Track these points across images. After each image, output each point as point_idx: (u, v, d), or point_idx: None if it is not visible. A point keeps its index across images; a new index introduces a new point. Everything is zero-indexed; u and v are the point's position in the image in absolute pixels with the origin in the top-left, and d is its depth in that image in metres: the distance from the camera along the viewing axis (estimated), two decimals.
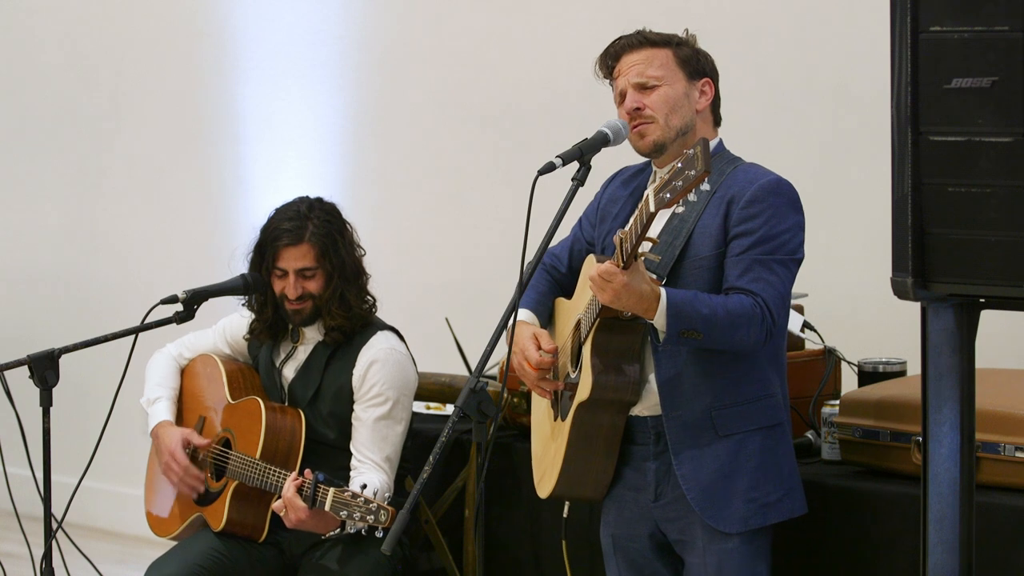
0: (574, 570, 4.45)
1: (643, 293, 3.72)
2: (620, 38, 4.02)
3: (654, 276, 3.83)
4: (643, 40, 3.99)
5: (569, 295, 4.17)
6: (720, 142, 4.02)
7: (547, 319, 4.19)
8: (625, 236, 3.67)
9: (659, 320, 3.75)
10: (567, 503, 4.43)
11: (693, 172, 3.53)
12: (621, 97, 4.00)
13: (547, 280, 4.21)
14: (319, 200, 4.73)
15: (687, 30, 4.02)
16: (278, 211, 4.71)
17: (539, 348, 3.99)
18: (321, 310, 4.66)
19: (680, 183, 3.55)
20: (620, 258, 3.70)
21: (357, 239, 4.77)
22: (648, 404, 3.94)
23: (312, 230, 4.64)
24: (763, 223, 3.84)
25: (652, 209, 3.58)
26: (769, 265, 3.83)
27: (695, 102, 3.96)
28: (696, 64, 3.97)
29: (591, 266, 3.89)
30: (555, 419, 4.08)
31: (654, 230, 3.83)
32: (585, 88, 5.46)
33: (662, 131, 3.94)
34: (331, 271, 4.64)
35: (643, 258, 3.72)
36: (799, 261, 3.91)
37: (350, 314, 4.65)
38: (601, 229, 4.12)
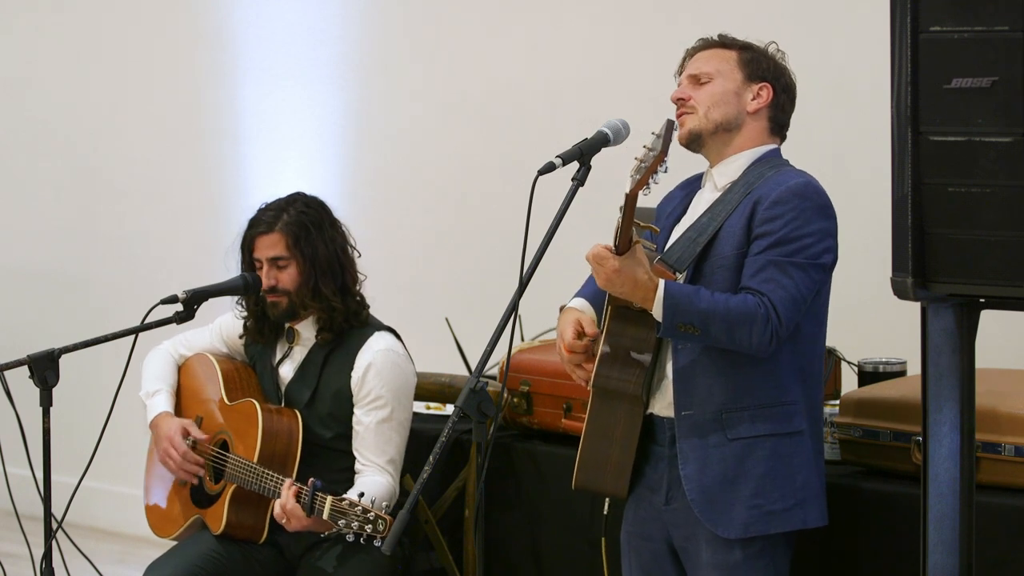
0: (611, 570, 4.39)
1: (637, 281, 3.71)
2: (698, 40, 4.03)
3: (674, 269, 3.81)
4: (715, 42, 3.99)
5: None
6: (775, 150, 3.97)
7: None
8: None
9: (656, 311, 3.73)
10: (607, 500, 4.33)
11: (653, 153, 3.57)
12: None
13: None
14: (303, 194, 4.75)
15: (775, 43, 4.00)
16: (262, 206, 4.73)
17: (578, 333, 3.94)
18: (296, 305, 4.66)
19: (644, 164, 3.58)
20: (614, 242, 3.70)
21: (351, 241, 4.76)
22: (664, 403, 3.91)
23: (286, 220, 4.65)
24: (784, 225, 3.79)
25: (627, 190, 3.60)
26: (784, 267, 3.78)
27: (747, 103, 3.93)
28: (757, 67, 3.94)
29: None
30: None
31: (684, 224, 3.90)
32: (585, 88, 5.46)
33: (699, 121, 3.92)
34: (302, 261, 4.64)
35: (639, 244, 3.71)
36: (823, 267, 3.84)
37: (325, 306, 4.63)
38: (658, 226, 4.05)
